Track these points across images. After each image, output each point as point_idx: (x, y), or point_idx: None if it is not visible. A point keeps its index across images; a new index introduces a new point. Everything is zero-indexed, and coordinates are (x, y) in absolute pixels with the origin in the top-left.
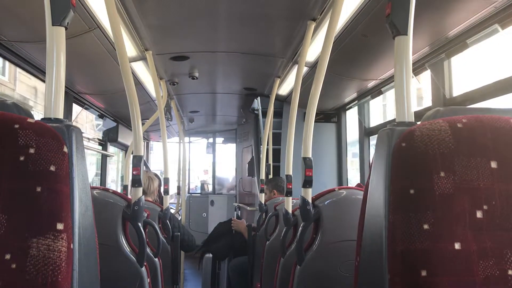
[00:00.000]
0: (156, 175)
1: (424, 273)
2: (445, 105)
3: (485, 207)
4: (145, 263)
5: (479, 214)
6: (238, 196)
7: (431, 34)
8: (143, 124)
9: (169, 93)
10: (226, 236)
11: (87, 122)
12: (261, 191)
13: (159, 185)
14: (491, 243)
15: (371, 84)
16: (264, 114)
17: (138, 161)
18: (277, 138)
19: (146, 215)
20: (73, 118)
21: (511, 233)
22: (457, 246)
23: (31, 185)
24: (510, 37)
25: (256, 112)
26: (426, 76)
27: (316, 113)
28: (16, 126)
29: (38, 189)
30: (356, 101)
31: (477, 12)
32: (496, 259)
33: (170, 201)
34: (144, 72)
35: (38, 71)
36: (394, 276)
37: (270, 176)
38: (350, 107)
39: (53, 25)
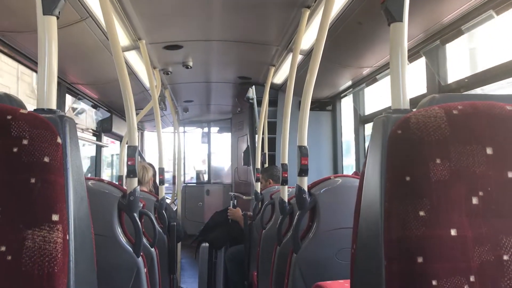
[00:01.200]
0: (150, 164)
1: (420, 259)
2: (440, 91)
3: (480, 193)
4: (141, 253)
5: (474, 201)
6: (234, 185)
7: (426, 21)
8: (137, 114)
9: (163, 83)
10: (223, 225)
11: None
12: (257, 180)
13: (154, 175)
14: (487, 229)
15: (366, 71)
16: (259, 103)
17: (132, 151)
18: (273, 127)
19: (141, 205)
20: (66, 108)
21: (506, 219)
22: (453, 232)
23: (25, 177)
24: (505, 23)
25: (251, 101)
26: (421, 63)
27: (311, 101)
28: (9, 117)
29: (32, 180)
30: (351, 89)
31: None
32: (491, 245)
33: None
34: (137, 62)
35: (30, 61)
36: (390, 263)
37: (266, 165)
38: (345, 95)
39: (44, 14)
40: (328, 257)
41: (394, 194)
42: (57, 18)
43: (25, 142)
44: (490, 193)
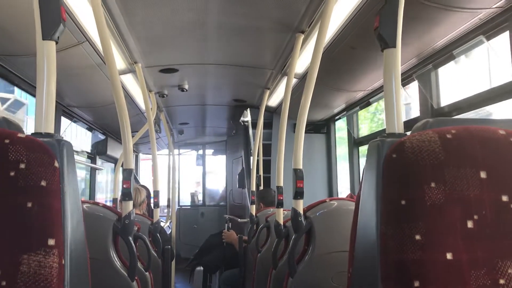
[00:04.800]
0: (144, 186)
1: (416, 283)
2: (432, 115)
3: (475, 217)
4: (136, 278)
5: (470, 224)
6: (229, 208)
7: (418, 46)
8: (132, 136)
9: (159, 105)
10: (217, 248)
11: None
12: (252, 202)
13: (148, 197)
14: (482, 253)
15: (359, 95)
16: (254, 126)
17: (128, 174)
18: (267, 150)
19: (136, 228)
20: (61, 131)
21: (501, 243)
22: (449, 256)
23: (21, 201)
24: (495, 48)
25: (246, 123)
26: (414, 86)
27: (306, 124)
28: (7, 141)
29: (29, 204)
30: (345, 112)
31: (463, 24)
32: (487, 268)
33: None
34: (133, 85)
35: (27, 85)
36: (387, 286)
37: (261, 188)
38: (339, 118)
39: (43, 39)
40: (324, 280)
41: (390, 218)
42: (56, 43)
43: (22, 166)
44: (485, 216)
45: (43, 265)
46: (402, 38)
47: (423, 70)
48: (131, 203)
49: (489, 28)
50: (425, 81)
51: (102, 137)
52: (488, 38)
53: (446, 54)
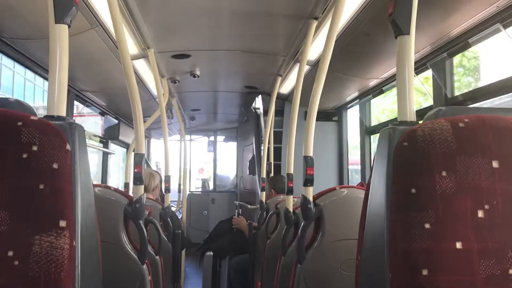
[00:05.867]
0: (156, 171)
1: (425, 272)
2: (446, 104)
3: (486, 206)
4: (146, 261)
5: (480, 214)
6: (239, 194)
7: (433, 34)
8: (144, 122)
9: (171, 91)
10: (227, 234)
11: None
12: (262, 189)
13: (161, 182)
14: (492, 243)
15: (372, 83)
16: (265, 113)
17: (139, 159)
18: (278, 137)
19: (147, 213)
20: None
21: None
22: (458, 245)
23: (34, 183)
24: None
25: (257, 110)
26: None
27: (317, 111)
28: (19, 123)
29: (41, 186)
30: (357, 100)
31: (479, 12)
32: (497, 258)
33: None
34: (145, 70)
35: (40, 68)
36: (395, 275)
37: (271, 175)
38: (351, 106)
39: (56, 22)
40: (333, 268)
41: (400, 206)
42: (69, 26)
43: (34, 148)
44: (496, 206)
45: (55, 246)
46: (416, 25)
47: (437, 58)
48: (142, 187)
49: (506, 16)
50: (440, 69)
51: (114, 121)
52: (506, 26)
53: (461, 42)
